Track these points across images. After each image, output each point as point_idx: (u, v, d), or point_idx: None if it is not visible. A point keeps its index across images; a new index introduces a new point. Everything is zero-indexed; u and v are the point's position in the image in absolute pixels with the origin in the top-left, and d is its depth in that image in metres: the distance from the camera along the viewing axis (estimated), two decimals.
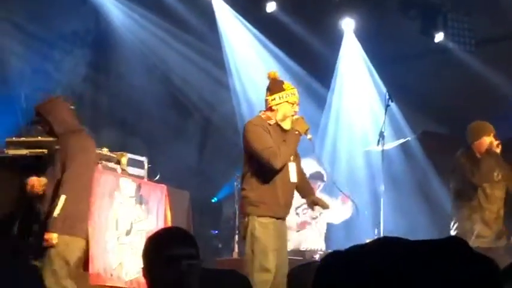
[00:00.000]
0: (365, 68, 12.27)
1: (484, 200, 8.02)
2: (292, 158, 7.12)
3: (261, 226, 6.94)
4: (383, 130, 8.89)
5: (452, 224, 8.24)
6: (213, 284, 4.30)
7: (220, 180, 11.78)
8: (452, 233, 8.11)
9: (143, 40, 11.75)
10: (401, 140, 10.44)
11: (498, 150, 8.01)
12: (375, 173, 10.48)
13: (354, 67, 12.32)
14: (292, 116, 7.17)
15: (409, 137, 10.92)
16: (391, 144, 9.82)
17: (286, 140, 7.03)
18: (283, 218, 7.16)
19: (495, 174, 8.04)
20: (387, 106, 9.03)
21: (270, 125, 7.07)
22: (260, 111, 7.29)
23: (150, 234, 4.36)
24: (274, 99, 7.15)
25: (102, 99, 11.87)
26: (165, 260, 3.57)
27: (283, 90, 7.21)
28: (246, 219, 6.96)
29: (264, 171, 6.98)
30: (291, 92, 7.21)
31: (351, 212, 9.62)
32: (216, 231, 11.47)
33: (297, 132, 7.07)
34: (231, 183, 10.81)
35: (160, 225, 8.51)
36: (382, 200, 8.84)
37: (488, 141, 8.06)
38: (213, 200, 11.73)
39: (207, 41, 11.92)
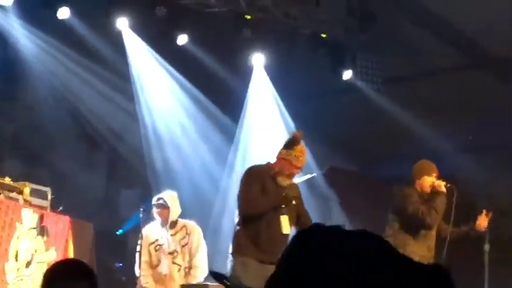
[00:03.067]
0: (274, 103, 12.43)
1: (424, 235, 8.26)
2: (285, 210, 7.48)
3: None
4: None
5: None
6: None
7: (126, 212, 11.66)
8: None
9: (52, 70, 11.64)
10: (308, 176, 10.49)
11: (443, 189, 8.22)
12: None
13: (263, 103, 12.48)
14: (289, 176, 7.56)
15: (315, 173, 11.00)
16: (298, 179, 9.85)
17: (270, 196, 7.44)
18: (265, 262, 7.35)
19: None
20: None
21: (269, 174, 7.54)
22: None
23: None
24: (281, 152, 7.53)
25: (7, 128, 11.74)
26: None
27: (293, 149, 7.55)
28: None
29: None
30: (297, 155, 7.54)
31: None
32: (121, 264, 11.37)
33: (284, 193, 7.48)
34: (136, 215, 10.29)
35: (62, 257, 8.48)
36: None
37: (430, 180, 8.25)
38: (117, 232, 11.39)
39: (116, 72, 11.94)
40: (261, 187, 7.49)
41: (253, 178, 7.59)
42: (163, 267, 9.01)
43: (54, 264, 4.11)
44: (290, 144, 7.63)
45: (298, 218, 7.62)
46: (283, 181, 7.51)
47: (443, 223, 8.38)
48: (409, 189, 8.26)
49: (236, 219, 7.59)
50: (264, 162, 7.96)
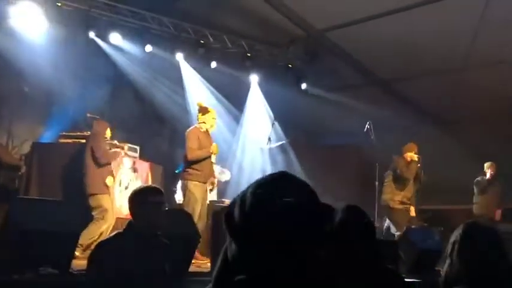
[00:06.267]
0: (262, 104, 11.89)
1: (407, 184, 8.58)
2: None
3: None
4: (270, 136, 9.34)
5: (382, 194, 8.68)
6: (171, 216, 4.49)
7: (180, 161, 9.69)
8: (383, 197, 8.68)
9: (139, 81, 11.05)
10: (280, 142, 10.54)
11: (416, 159, 8.56)
12: (265, 161, 10.52)
13: (256, 103, 11.91)
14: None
15: (284, 141, 11.09)
16: (274, 144, 9.85)
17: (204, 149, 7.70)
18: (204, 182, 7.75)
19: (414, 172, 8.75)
20: (273, 123, 9.75)
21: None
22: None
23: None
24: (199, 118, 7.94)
25: (118, 112, 10.71)
26: (151, 203, 3.47)
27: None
28: None
29: None
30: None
31: (229, 177, 9.72)
32: (175, 188, 10.13)
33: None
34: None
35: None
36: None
37: (410, 155, 8.60)
38: (176, 171, 10.77)
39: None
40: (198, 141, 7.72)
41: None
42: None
43: (143, 187, 3.77)
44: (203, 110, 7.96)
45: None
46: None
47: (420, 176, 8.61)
48: (399, 158, 8.63)
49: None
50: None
